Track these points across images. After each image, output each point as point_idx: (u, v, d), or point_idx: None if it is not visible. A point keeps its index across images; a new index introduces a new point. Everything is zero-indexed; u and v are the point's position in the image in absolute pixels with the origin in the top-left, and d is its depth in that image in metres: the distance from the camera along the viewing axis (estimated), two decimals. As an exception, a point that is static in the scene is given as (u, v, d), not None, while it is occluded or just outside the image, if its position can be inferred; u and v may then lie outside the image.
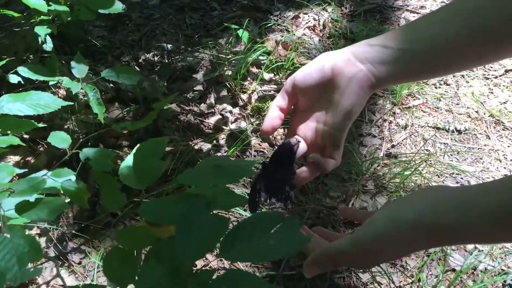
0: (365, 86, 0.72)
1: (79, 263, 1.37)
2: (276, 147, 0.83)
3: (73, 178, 0.79)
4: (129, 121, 1.73)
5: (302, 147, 0.80)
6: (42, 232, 1.41)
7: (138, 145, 0.82)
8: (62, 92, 1.77)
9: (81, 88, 1.18)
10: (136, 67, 2.00)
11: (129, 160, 0.86)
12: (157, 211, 0.73)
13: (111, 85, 1.85)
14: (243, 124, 1.79)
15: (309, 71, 0.75)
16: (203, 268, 1.34)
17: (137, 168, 0.79)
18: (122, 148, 1.63)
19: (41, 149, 1.60)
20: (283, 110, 0.78)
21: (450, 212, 0.60)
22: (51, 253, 1.37)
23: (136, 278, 0.65)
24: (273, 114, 0.78)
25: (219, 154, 1.69)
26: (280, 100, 0.78)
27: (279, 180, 0.80)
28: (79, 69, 1.17)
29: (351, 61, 0.72)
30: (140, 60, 2.04)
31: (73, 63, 1.17)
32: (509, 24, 0.66)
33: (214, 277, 0.62)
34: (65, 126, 1.64)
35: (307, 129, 0.79)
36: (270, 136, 1.73)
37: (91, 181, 1.37)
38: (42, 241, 1.39)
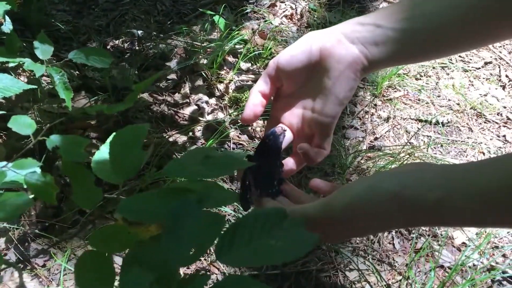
0: (357, 69, 0.65)
1: (43, 266, 1.24)
2: (260, 138, 0.76)
3: (38, 169, 0.67)
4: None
5: (288, 136, 0.73)
6: (1, 232, 1.27)
7: (114, 133, 0.71)
8: (23, 79, 1.62)
9: (45, 72, 1.05)
10: (104, 54, 1.86)
11: (103, 151, 0.75)
12: (139, 208, 0.63)
13: (77, 72, 1.71)
14: (220, 115, 1.69)
15: (295, 53, 0.67)
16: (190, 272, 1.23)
17: (115, 159, 0.68)
18: (90, 140, 1.50)
19: (0, 141, 1.45)
20: (265, 95, 0.70)
21: (439, 187, 0.53)
22: (12, 255, 1.24)
23: (118, 286, 0.56)
24: (255, 100, 0.70)
25: (195, 146, 1.58)
26: (262, 85, 0.70)
27: (266, 174, 0.72)
28: (43, 50, 1.04)
29: (341, 41, 0.65)
30: (109, 47, 1.91)
31: (36, 43, 1.05)
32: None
33: (209, 282, 0.53)
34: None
35: (293, 116, 0.72)
36: (250, 128, 1.64)
37: (56, 175, 1.24)
38: (1, 242, 1.25)
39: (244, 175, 0.72)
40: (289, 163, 0.72)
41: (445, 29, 0.64)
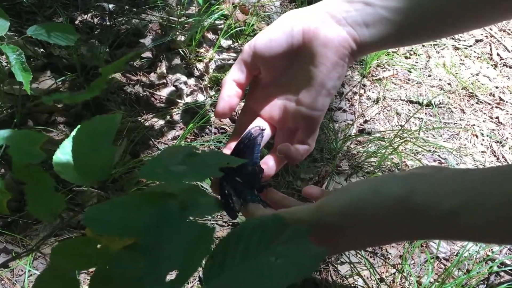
0: (345, 54, 0.57)
1: (6, 266, 1.12)
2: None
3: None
4: (64, 92, 1.46)
5: (266, 134, 0.64)
6: (-44, 230, 1.14)
7: (79, 126, 0.59)
8: (-20, 57, 1.47)
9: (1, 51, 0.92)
10: (72, 30, 1.71)
11: (66, 146, 0.63)
12: (109, 218, 0.52)
13: (42, 50, 1.56)
14: (200, 97, 1.57)
15: (274, 36, 0.58)
16: None
17: (79, 157, 0.56)
18: (56, 125, 1.37)
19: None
20: (241, 85, 0.62)
21: (454, 194, 0.45)
22: (-31, 256, 1.11)
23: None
24: (230, 91, 0.61)
25: (174, 131, 1.46)
26: (237, 73, 0.61)
27: (245, 182, 0.63)
28: (-3, 25, 0.90)
29: (327, 23, 0.56)
30: (77, 22, 1.75)
31: (-12, 17, 0.91)
32: None
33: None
34: (-15, 99, 1.35)
35: (274, 108, 0.63)
36: (232, 111, 1.52)
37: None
38: (-43, 241, 1.12)
39: (221, 185, 0.63)
40: (269, 162, 0.63)
41: (444, 7, 0.55)
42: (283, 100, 0.63)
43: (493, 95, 1.79)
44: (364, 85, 1.76)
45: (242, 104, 0.69)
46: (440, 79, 1.83)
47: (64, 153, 0.62)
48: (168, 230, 0.48)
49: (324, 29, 0.56)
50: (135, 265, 0.46)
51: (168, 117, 1.49)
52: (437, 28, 0.59)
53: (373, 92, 1.74)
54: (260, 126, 0.63)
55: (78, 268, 0.58)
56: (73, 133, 0.58)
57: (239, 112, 0.65)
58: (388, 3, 0.55)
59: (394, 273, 1.25)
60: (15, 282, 1.10)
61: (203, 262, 0.47)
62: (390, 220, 0.47)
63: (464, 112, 1.71)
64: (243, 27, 1.81)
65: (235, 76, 0.61)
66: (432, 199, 0.46)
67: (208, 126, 1.49)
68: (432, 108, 1.71)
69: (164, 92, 1.56)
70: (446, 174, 0.49)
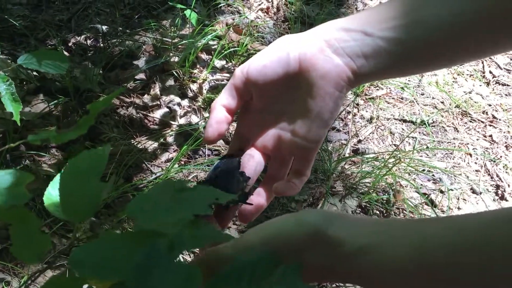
0: (342, 86, 0.55)
1: (-3, 296, 1.10)
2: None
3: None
4: (57, 116, 1.46)
5: (260, 163, 0.62)
6: None
7: (68, 163, 0.59)
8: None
9: (-9, 79, 0.91)
10: (65, 52, 1.71)
11: (56, 182, 0.63)
12: (95, 260, 0.51)
13: (35, 73, 1.55)
14: (194, 119, 1.57)
15: (269, 62, 0.57)
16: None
17: (67, 196, 0.55)
18: (49, 149, 1.36)
19: None
20: (231, 111, 0.59)
21: (367, 235, 0.46)
22: (-41, 285, 1.10)
23: None
24: (219, 117, 0.59)
25: (167, 153, 1.46)
26: (227, 98, 0.59)
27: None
28: (-13, 54, 0.90)
29: (324, 52, 0.55)
30: (70, 44, 1.76)
31: (-22, 47, 0.90)
32: None
33: None
34: (-23, 124, 1.35)
35: (267, 137, 0.61)
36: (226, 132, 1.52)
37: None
38: None
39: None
40: (259, 196, 0.61)
41: (445, 40, 0.54)
42: (276, 128, 0.61)
43: (486, 113, 1.80)
44: (357, 104, 1.77)
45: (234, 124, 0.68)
46: (433, 98, 1.84)
47: (55, 188, 0.61)
48: (156, 271, 0.48)
49: (322, 59, 0.55)
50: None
51: (161, 140, 1.49)
52: (436, 60, 0.58)
53: (366, 111, 1.74)
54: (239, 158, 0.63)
55: (65, 308, 0.57)
56: (63, 169, 0.57)
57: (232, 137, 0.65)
58: (388, 33, 0.54)
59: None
60: (5, 311, 1.08)
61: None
62: (310, 249, 0.47)
63: (457, 131, 1.72)
64: (236, 48, 1.82)
65: (224, 101, 0.59)
66: (346, 234, 0.46)
67: (201, 148, 1.49)
68: (425, 127, 1.71)
69: (157, 114, 1.56)
70: (367, 218, 0.50)
